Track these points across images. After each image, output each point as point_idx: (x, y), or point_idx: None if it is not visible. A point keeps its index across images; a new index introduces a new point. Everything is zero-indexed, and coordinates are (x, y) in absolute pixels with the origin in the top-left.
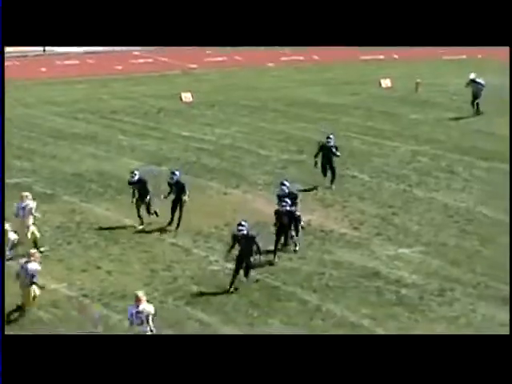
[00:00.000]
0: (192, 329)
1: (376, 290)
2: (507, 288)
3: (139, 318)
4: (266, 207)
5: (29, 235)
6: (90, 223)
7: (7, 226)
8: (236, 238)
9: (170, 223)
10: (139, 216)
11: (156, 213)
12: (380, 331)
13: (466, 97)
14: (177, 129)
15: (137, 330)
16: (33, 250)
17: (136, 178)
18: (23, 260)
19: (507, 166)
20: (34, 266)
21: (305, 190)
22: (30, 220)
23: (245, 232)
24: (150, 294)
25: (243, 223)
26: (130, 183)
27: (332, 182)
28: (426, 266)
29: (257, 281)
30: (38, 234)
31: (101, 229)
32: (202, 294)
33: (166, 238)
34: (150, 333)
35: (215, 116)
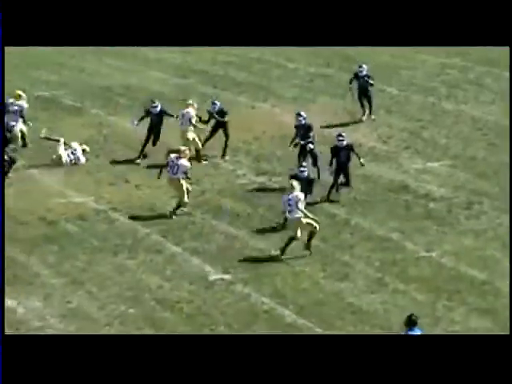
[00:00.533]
0: (218, 241)
1: (404, 204)
2: None
3: (290, 204)
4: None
5: (191, 144)
6: (117, 136)
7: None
8: (336, 150)
9: (203, 144)
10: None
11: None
12: (409, 245)
13: None
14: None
15: (286, 215)
16: (183, 147)
17: (158, 109)
18: (174, 156)
19: None
20: (184, 162)
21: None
22: (190, 129)
23: (345, 142)
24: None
25: (343, 134)
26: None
27: (370, 111)
28: (454, 180)
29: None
30: (199, 144)
31: (129, 142)
32: (229, 207)
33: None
34: (299, 215)
35: None
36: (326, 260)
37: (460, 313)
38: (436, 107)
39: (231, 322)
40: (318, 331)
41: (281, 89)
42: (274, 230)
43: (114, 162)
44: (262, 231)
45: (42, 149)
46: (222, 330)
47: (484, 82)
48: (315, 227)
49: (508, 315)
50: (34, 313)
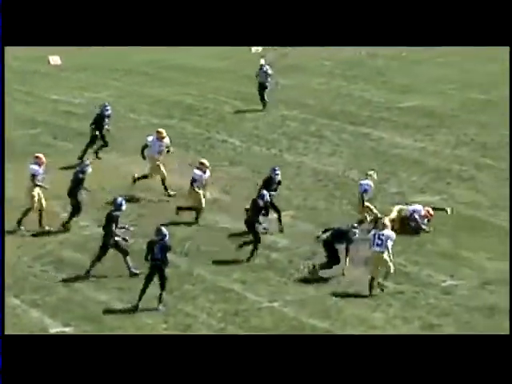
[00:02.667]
0: (59, 293)
1: (247, 255)
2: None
3: (381, 239)
4: (137, 171)
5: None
6: None
7: None
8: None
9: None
10: None
11: None
12: (251, 295)
13: (336, 62)
14: (45, 92)
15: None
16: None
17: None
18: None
19: (373, 131)
20: (366, 182)
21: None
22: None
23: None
24: (20, 258)
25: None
26: None
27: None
28: (296, 230)
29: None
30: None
31: None
32: (71, 259)
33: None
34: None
35: (85, 79)
36: (169, 311)
37: None
38: (277, 158)
39: None
40: None
41: (124, 139)
42: (116, 281)
43: None
44: (104, 283)
45: None
46: None
47: (324, 134)
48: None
49: None
50: None
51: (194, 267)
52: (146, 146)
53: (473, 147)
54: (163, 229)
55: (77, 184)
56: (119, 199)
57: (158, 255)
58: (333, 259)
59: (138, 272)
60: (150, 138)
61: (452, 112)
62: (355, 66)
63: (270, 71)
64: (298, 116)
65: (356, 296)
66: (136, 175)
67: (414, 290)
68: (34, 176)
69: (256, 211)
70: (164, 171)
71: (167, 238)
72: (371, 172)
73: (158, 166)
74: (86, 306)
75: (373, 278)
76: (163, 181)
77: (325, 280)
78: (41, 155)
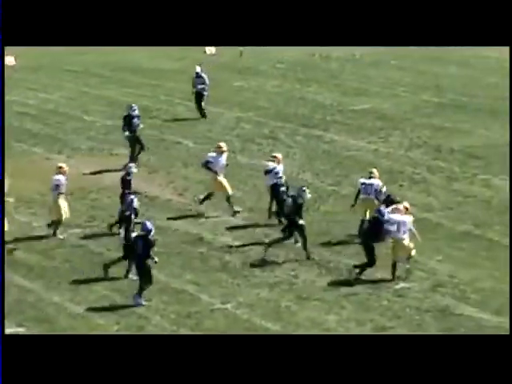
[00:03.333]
0: (12, 294)
1: (200, 256)
2: (328, 255)
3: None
4: (88, 172)
5: None
6: None
7: None
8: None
9: None
10: None
11: None
12: (204, 297)
13: (290, 65)
14: None
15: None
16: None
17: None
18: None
19: (327, 133)
20: (376, 181)
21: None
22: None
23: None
24: None
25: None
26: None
27: None
28: (249, 232)
29: (80, 246)
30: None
31: None
32: (23, 259)
33: None
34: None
35: (39, 80)
36: (122, 312)
37: None
38: (231, 161)
39: None
40: None
41: (76, 141)
42: (69, 283)
43: None
44: (57, 284)
45: None
46: None
47: (278, 136)
48: None
49: None
50: None
51: None
52: (207, 162)
53: (425, 150)
54: (147, 223)
55: (125, 187)
56: (129, 198)
57: (139, 250)
58: (370, 258)
59: (134, 278)
60: (213, 154)
61: (405, 114)
62: (309, 69)
63: (206, 79)
64: (252, 118)
65: (309, 298)
66: (201, 197)
67: (367, 292)
68: (57, 186)
69: (295, 209)
70: (227, 187)
71: (152, 233)
72: (374, 170)
73: (220, 182)
74: (38, 307)
75: (395, 263)
76: (228, 198)
77: (278, 283)
78: (63, 165)
